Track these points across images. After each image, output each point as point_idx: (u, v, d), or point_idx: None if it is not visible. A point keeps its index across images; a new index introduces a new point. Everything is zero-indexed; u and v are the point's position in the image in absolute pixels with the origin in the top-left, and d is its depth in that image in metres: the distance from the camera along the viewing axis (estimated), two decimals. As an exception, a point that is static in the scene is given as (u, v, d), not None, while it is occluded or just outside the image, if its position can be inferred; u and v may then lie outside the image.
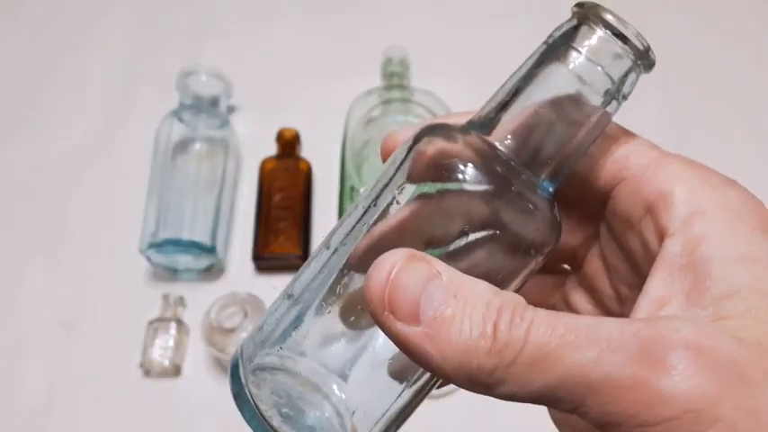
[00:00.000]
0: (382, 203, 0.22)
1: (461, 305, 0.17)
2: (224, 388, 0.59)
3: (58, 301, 0.62)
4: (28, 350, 0.60)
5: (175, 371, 0.59)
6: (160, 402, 0.58)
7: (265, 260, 0.63)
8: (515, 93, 0.21)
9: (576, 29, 0.21)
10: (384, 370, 0.22)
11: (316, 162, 0.68)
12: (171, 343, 0.59)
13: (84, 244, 0.65)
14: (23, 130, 0.73)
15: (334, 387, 0.22)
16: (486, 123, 0.22)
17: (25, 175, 0.70)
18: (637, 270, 0.22)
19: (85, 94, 0.75)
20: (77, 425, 0.57)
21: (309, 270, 0.23)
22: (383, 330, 0.18)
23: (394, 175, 0.22)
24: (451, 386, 0.57)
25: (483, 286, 0.18)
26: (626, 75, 0.21)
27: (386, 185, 0.22)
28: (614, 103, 0.21)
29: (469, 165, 0.20)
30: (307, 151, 0.69)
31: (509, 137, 0.21)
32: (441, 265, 0.18)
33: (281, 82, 0.75)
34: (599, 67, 0.20)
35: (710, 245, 0.19)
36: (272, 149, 0.68)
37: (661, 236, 0.20)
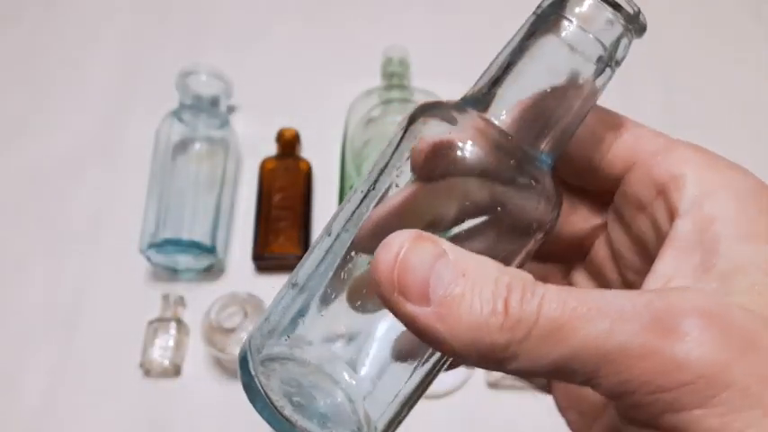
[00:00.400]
0: (382, 187, 0.22)
1: (470, 284, 0.18)
2: (224, 388, 0.59)
3: (58, 300, 0.62)
4: (28, 350, 0.60)
5: (175, 371, 0.59)
6: (160, 402, 0.58)
7: (265, 260, 0.63)
8: (508, 66, 0.21)
9: None
10: (393, 353, 0.22)
11: (316, 162, 0.68)
12: (171, 343, 0.59)
13: (84, 244, 0.65)
14: (24, 130, 0.73)
15: (344, 374, 0.22)
16: (480, 99, 0.22)
17: (25, 174, 0.70)
18: (645, 255, 0.22)
19: (85, 95, 0.75)
20: (77, 425, 0.57)
21: (312, 258, 0.23)
22: (393, 312, 0.18)
23: (391, 157, 0.22)
24: (451, 386, 0.57)
25: (491, 264, 0.18)
26: (618, 41, 0.20)
27: (384, 168, 0.22)
28: (608, 70, 0.21)
29: (468, 143, 0.20)
30: (307, 151, 0.69)
31: (504, 112, 0.21)
32: (446, 245, 0.18)
33: (281, 82, 0.75)
34: (590, 35, 0.20)
35: (719, 224, 0.19)
36: (272, 149, 0.68)
37: (672, 216, 0.20)
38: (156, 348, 0.58)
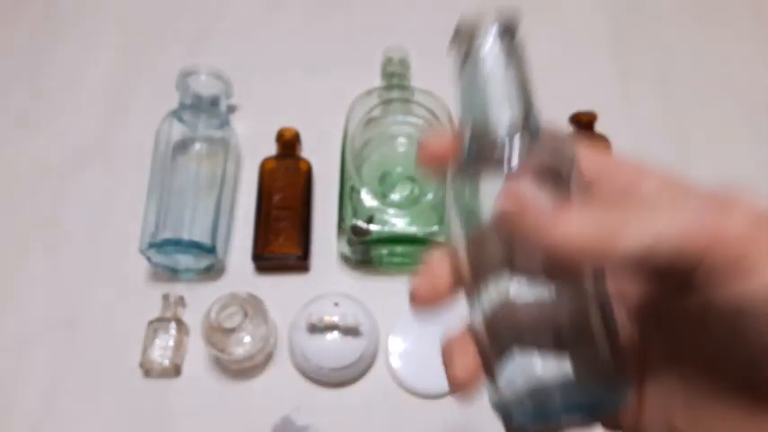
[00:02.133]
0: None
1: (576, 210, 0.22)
2: (224, 388, 0.59)
3: (58, 301, 0.63)
4: (28, 350, 0.60)
5: (175, 371, 0.59)
6: (160, 402, 0.58)
7: (265, 260, 0.63)
8: None
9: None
10: None
11: (316, 162, 0.68)
12: (171, 343, 0.59)
13: (84, 244, 0.65)
14: (24, 130, 0.73)
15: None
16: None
17: (26, 174, 0.70)
18: None
19: (85, 95, 0.75)
20: (77, 425, 0.57)
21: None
22: (520, 232, 0.21)
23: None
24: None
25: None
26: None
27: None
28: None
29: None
30: (307, 151, 0.69)
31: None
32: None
33: (281, 82, 0.75)
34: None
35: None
36: (272, 149, 0.68)
37: None
38: (156, 348, 0.58)
